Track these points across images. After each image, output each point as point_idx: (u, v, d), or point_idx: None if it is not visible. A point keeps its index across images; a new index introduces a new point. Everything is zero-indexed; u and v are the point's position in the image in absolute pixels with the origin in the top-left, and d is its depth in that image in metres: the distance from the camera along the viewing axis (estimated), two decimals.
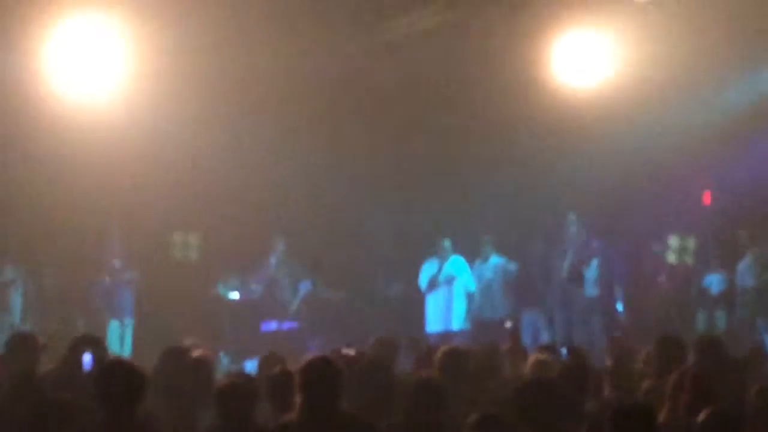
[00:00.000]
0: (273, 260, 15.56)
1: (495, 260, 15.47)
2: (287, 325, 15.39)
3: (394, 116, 15.99)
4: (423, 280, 15.32)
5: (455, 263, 15.31)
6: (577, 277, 15.04)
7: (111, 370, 6.54)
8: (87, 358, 8.08)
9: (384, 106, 15.79)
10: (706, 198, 16.48)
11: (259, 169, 15.55)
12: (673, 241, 15.60)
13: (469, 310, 15.30)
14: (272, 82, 14.81)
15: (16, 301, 14.63)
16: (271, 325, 15.40)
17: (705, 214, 16.15)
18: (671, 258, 15.61)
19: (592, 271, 15.07)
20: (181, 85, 14.28)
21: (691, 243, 15.58)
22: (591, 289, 15.06)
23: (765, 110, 15.13)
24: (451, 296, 15.26)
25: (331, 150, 15.75)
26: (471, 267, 15.39)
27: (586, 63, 14.59)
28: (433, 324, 15.29)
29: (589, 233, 15.26)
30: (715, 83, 15.12)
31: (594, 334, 14.66)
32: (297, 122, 15.35)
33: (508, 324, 15.07)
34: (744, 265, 15.20)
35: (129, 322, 14.92)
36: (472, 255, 15.50)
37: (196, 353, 8.48)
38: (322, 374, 6.33)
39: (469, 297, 15.32)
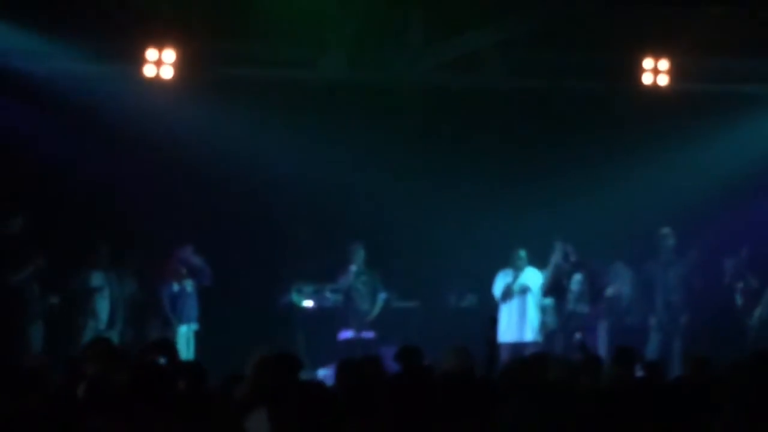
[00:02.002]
0: (353, 269, 15.51)
1: (578, 278, 15.35)
2: (365, 334, 15.40)
3: (469, 127, 16.02)
4: (497, 289, 15.22)
5: (530, 274, 15.22)
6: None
7: None
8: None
9: (460, 117, 15.83)
10: None
11: (335, 177, 15.61)
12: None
13: (542, 322, 15.20)
14: (351, 96, 14.96)
15: (104, 306, 14.78)
16: (349, 334, 15.41)
17: None
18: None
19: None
20: (264, 100, 14.70)
21: None
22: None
23: None
24: (524, 307, 15.13)
25: (409, 161, 15.83)
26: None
27: (670, 74, 14.58)
28: (506, 334, 15.10)
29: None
30: None
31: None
32: (376, 133, 15.40)
33: (578, 335, 14.97)
34: None
35: (194, 327, 14.99)
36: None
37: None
38: (396, 391, 6.34)
39: (543, 309, 15.22)
